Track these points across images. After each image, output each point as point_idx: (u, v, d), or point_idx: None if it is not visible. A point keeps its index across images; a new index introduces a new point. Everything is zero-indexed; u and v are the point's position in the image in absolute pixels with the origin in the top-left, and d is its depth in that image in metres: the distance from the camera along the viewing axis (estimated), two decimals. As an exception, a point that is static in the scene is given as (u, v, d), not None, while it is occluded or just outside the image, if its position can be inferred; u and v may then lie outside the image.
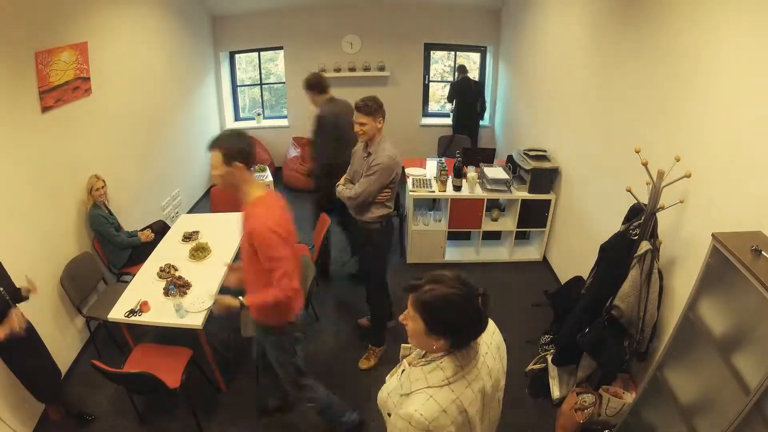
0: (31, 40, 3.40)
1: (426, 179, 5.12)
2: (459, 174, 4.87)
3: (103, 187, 4.01)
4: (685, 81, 2.91)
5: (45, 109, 3.56)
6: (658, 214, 2.80)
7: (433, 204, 5.52)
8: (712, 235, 2.13)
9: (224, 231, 4.28)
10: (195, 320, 3.27)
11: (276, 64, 7.76)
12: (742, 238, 2.04)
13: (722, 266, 2.08)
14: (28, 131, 3.43)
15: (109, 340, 3.98)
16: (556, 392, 3.50)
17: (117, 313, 3.33)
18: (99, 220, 3.98)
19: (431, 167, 5.39)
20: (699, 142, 2.75)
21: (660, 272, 2.82)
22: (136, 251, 4.23)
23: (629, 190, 2.93)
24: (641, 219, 2.82)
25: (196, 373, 3.52)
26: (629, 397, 3.11)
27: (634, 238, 2.84)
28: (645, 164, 2.74)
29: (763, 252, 1.91)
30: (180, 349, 3.35)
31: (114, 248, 4.14)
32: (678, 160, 2.65)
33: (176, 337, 3.50)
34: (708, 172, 2.63)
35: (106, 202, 4.15)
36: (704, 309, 2.26)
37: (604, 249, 3.15)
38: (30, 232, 3.45)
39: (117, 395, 3.55)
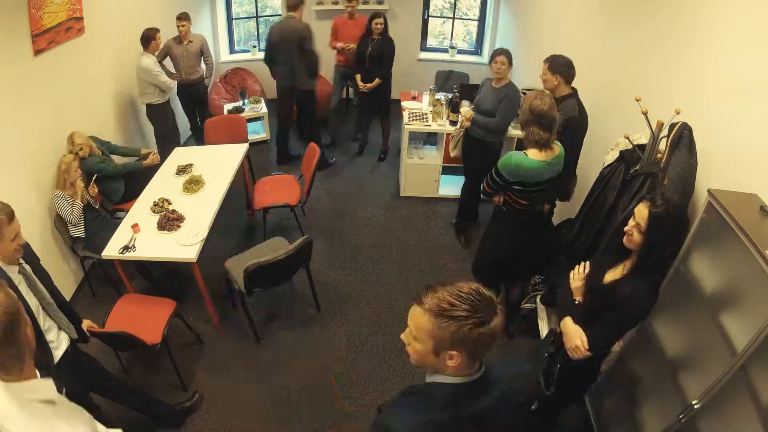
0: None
1: (422, 113, 5.12)
2: (455, 109, 4.80)
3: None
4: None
5: (38, 52, 3.45)
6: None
7: (428, 137, 5.57)
8: (708, 191, 2.08)
9: (218, 163, 4.24)
10: (188, 253, 3.26)
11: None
12: (738, 198, 2.01)
13: (716, 224, 2.04)
14: (21, 75, 3.31)
15: (104, 277, 3.97)
16: (544, 333, 3.54)
17: (111, 250, 3.31)
18: (96, 167, 3.84)
19: (427, 101, 5.32)
20: (699, 95, 2.64)
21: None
22: (131, 187, 4.15)
23: (627, 137, 2.84)
24: (637, 167, 2.74)
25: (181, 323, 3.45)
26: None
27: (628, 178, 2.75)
28: (645, 113, 2.62)
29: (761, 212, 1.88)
30: (164, 301, 3.28)
31: (111, 182, 4.05)
32: (678, 113, 2.53)
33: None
34: (707, 126, 2.52)
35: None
36: (695, 264, 2.24)
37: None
38: (23, 172, 3.36)
39: (104, 347, 3.34)
